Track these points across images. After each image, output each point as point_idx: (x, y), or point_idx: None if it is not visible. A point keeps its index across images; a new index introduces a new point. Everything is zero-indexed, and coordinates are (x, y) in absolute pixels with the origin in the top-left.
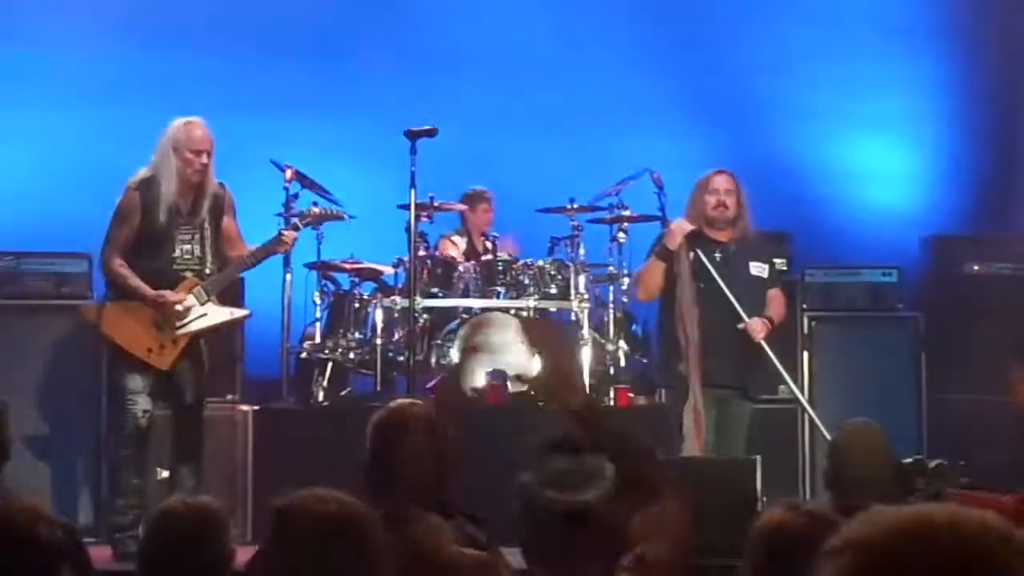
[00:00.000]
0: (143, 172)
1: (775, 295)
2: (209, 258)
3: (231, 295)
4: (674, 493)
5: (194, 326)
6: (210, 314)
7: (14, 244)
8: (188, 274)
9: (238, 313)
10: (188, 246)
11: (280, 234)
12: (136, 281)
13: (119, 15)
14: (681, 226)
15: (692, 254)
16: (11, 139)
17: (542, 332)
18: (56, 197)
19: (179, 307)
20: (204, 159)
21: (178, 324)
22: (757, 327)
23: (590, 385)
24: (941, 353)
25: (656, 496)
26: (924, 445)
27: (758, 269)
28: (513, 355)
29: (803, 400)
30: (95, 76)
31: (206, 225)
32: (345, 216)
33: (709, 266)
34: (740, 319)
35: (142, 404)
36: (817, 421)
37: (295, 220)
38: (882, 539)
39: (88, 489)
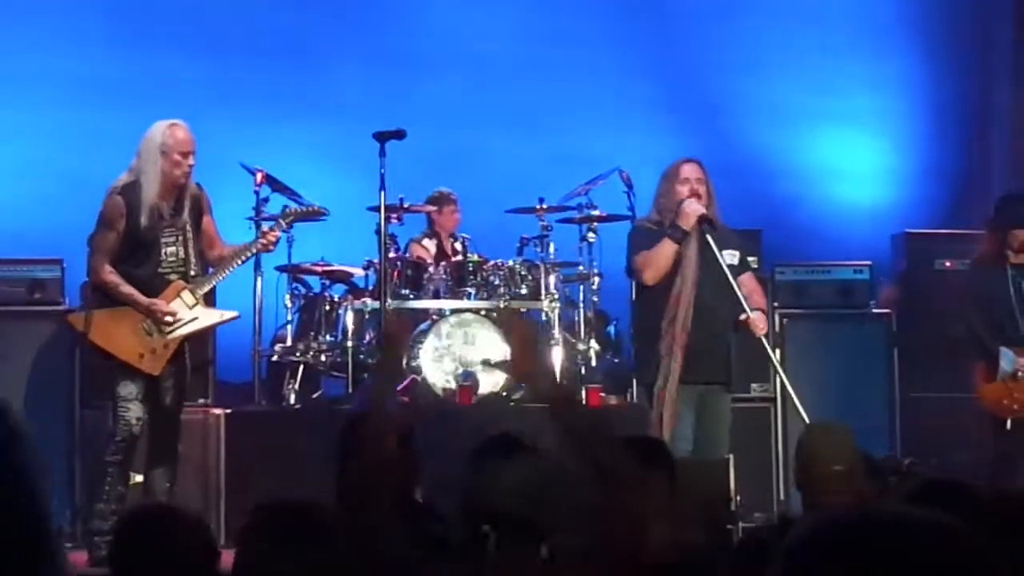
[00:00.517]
0: (124, 177)
1: (755, 286)
2: (193, 260)
3: (202, 300)
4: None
5: (184, 329)
6: (200, 317)
7: None
8: (173, 277)
9: (227, 315)
10: (172, 248)
11: (264, 233)
12: (128, 288)
13: (90, 19)
14: (694, 207)
15: (702, 238)
16: None
17: (509, 319)
18: (28, 203)
19: (168, 319)
20: (191, 160)
21: (168, 329)
22: (761, 321)
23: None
24: (913, 350)
25: (625, 487)
26: (897, 443)
27: (730, 256)
28: (480, 345)
29: (792, 393)
30: (67, 79)
31: (188, 227)
32: (326, 213)
33: (717, 251)
34: (728, 310)
35: (135, 411)
36: (804, 414)
37: (279, 219)
38: (817, 542)
39: (63, 494)
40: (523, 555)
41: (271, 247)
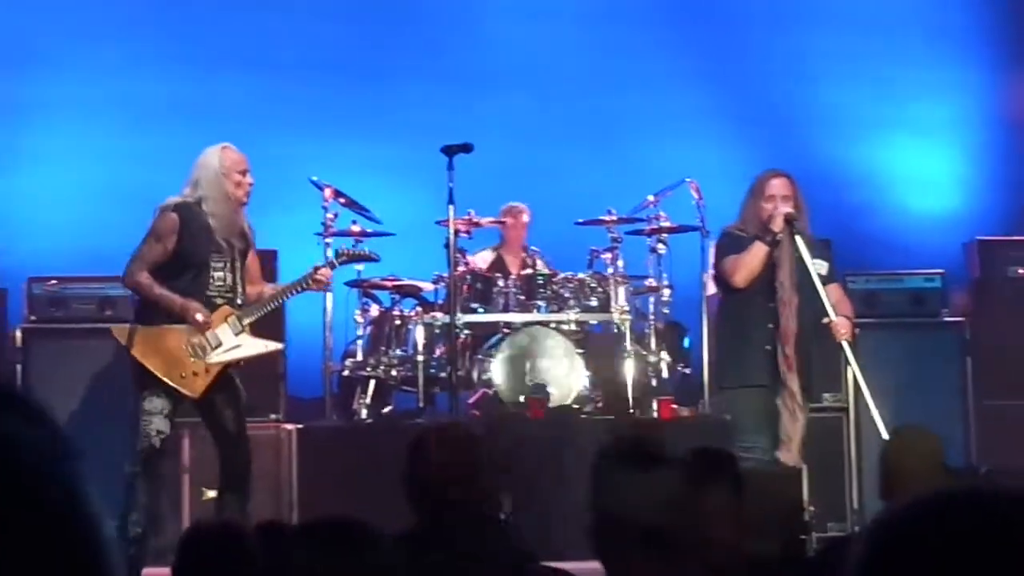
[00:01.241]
0: (179, 198)
1: (842, 296)
2: (240, 288)
3: (271, 319)
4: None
5: (228, 356)
6: (244, 345)
7: (58, 269)
8: (220, 301)
9: (272, 346)
10: (221, 274)
11: (315, 270)
12: (160, 289)
13: (159, 40)
14: (780, 209)
15: (792, 242)
16: (54, 165)
17: (596, 346)
18: (99, 222)
19: (208, 334)
20: (250, 179)
21: (211, 352)
22: (844, 326)
23: (634, 398)
24: (987, 358)
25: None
26: (972, 451)
27: (819, 265)
28: (554, 364)
29: (871, 402)
30: (137, 101)
31: (237, 254)
32: (377, 259)
33: (806, 254)
34: (811, 315)
35: (156, 425)
36: (880, 424)
37: (331, 258)
38: (897, 520)
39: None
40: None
41: (321, 287)
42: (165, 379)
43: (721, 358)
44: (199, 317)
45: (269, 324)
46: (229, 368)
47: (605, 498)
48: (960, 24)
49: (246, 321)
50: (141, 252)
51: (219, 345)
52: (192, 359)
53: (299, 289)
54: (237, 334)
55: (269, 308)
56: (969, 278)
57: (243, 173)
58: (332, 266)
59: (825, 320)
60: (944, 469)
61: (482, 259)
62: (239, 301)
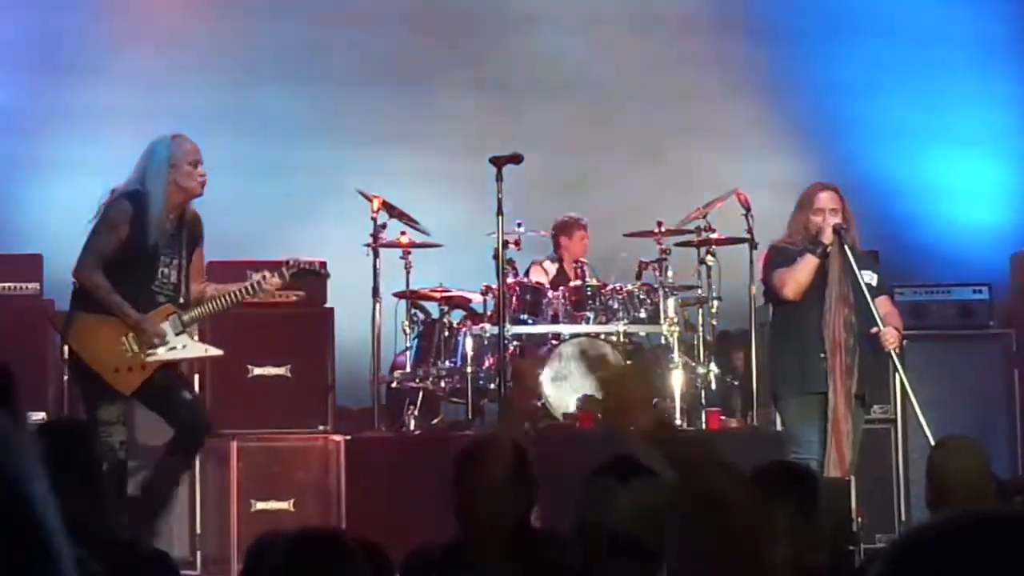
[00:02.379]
0: (127, 185)
1: (891, 308)
2: (183, 286)
3: (317, 331)
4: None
5: (167, 356)
6: (186, 347)
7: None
8: (163, 299)
9: (212, 351)
10: (167, 270)
11: (264, 277)
12: (117, 298)
13: (205, 49)
14: (829, 220)
15: (841, 253)
16: (100, 175)
17: (596, 353)
18: None
19: (156, 340)
20: (202, 170)
21: (149, 350)
22: (892, 336)
23: (657, 403)
24: None
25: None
26: (1019, 464)
27: (868, 277)
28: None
29: (919, 412)
30: (183, 111)
31: (183, 251)
32: (326, 274)
33: (855, 265)
34: (869, 324)
35: (118, 435)
36: (929, 435)
37: (282, 268)
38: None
39: (185, 522)
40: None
41: (265, 295)
42: (97, 372)
43: (774, 369)
44: (154, 341)
45: (315, 336)
46: (166, 368)
47: (587, 505)
48: (1006, 35)
49: (188, 324)
50: (94, 244)
51: (160, 344)
52: (129, 355)
53: (242, 293)
54: (178, 334)
55: (212, 311)
56: (1016, 290)
57: (194, 164)
58: (281, 276)
59: (873, 330)
60: (990, 479)
61: (546, 270)
62: (182, 300)
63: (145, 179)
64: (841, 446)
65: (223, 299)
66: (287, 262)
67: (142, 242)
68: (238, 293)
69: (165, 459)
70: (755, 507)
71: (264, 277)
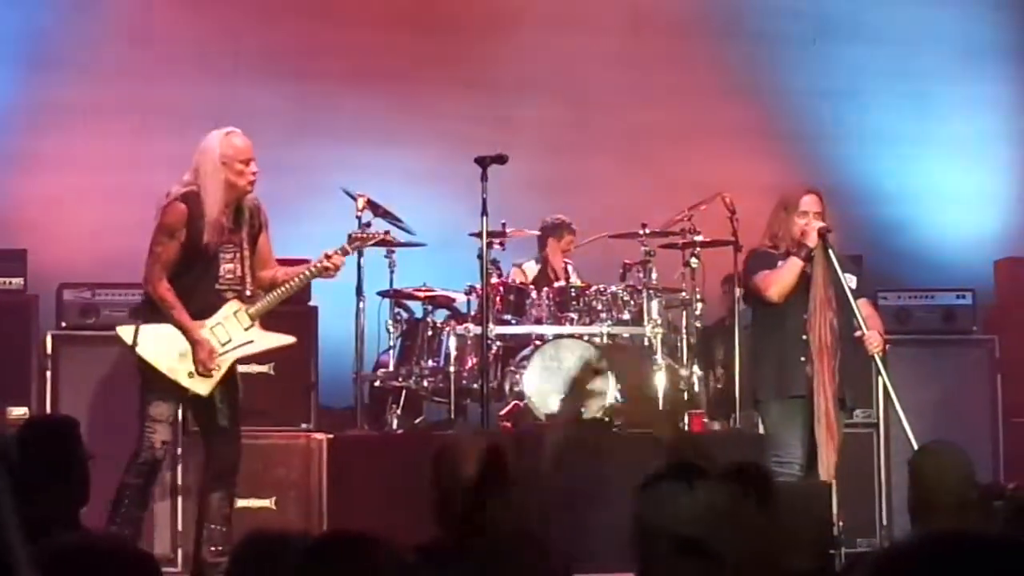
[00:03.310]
0: (179, 188)
1: (872, 311)
2: (249, 278)
3: (303, 327)
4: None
5: (239, 352)
6: (256, 340)
7: (90, 275)
8: (230, 295)
9: (285, 339)
10: (230, 265)
11: (326, 256)
12: (181, 315)
13: (193, 45)
14: (814, 224)
15: (825, 256)
16: (86, 171)
17: (622, 358)
18: (131, 228)
19: (218, 330)
20: (254, 167)
21: (222, 350)
22: (876, 339)
23: (667, 411)
24: (1016, 375)
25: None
26: (1000, 469)
27: (848, 280)
28: (585, 378)
29: (903, 417)
30: (170, 107)
31: (245, 243)
32: (393, 238)
33: (839, 269)
34: (851, 327)
35: (161, 434)
36: (912, 438)
37: (343, 244)
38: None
39: (166, 518)
40: None
41: (332, 273)
42: (173, 379)
43: (757, 371)
44: (207, 365)
45: (299, 335)
46: (236, 364)
47: (649, 510)
48: (992, 41)
49: (255, 313)
50: (157, 254)
51: (228, 342)
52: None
53: (309, 274)
54: (247, 329)
55: (279, 298)
56: (1000, 295)
57: (246, 163)
58: (344, 252)
59: (857, 333)
60: (972, 485)
61: (524, 271)
62: (248, 292)
63: (198, 178)
64: (832, 449)
65: (291, 283)
66: (350, 236)
67: (201, 242)
68: (306, 274)
69: (203, 502)
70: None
71: (329, 256)
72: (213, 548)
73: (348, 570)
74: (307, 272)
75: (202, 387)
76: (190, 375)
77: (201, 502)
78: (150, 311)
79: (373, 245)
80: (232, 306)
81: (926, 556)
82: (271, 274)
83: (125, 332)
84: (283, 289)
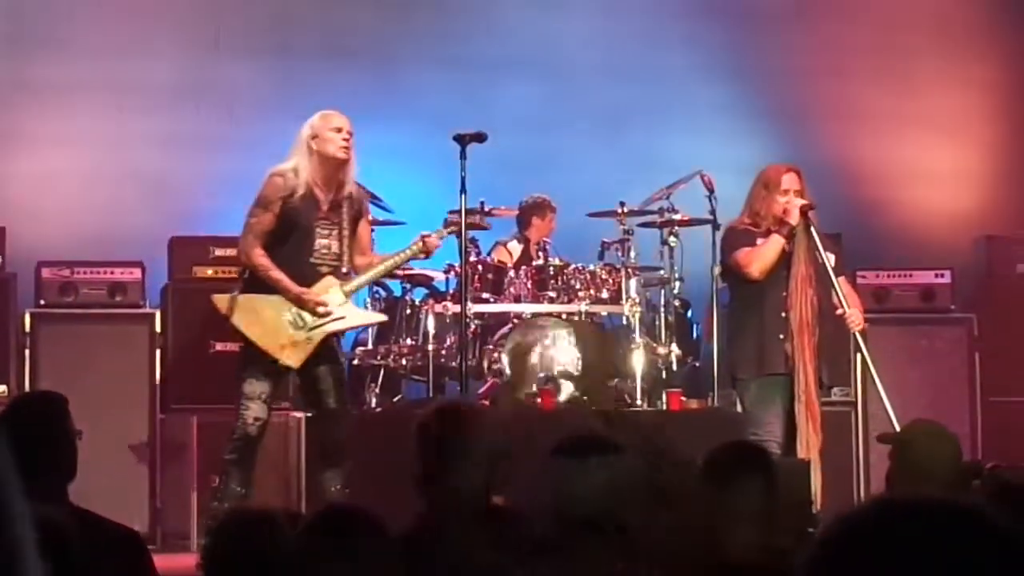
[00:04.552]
0: (283, 166)
1: (850, 289)
2: (346, 256)
3: None
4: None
5: (331, 326)
6: (348, 316)
7: (69, 254)
8: (325, 270)
9: (376, 317)
10: (326, 241)
11: (424, 237)
12: (278, 273)
13: (170, 23)
14: (796, 201)
15: (807, 233)
16: (64, 149)
17: (587, 333)
18: (108, 206)
19: (320, 308)
20: (345, 134)
21: (314, 323)
22: (858, 317)
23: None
24: (995, 354)
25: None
26: (978, 448)
27: (825, 257)
28: (561, 349)
29: (884, 395)
30: (148, 85)
31: (345, 224)
32: (489, 226)
33: (820, 246)
34: (829, 305)
35: (255, 411)
36: (893, 417)
37: (439, 228)
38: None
39: (144, 497)
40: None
41: (430, 254)
42: (265, 348)
43: (735, 349)
44: (319, 310)
45: None
46: (331, 339)
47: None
48: (972, 19)
49: (348, 290)
50: (251, 224)
51: (324, 315)
52: (293, 330)
53: (406, 257)
54: (340, 305)
55: (373, 278)
56: (978, 274)
57: (337, 130)
58: (440, 236)
59: (839, 311)
60: (959, 466)
61: (509, 251)
62: (344, 270)
63: (293, 155)
64: (816, 427)
65: (388, 263)
66: (447, 220)
67: (296, 216)
68: (404, 255)
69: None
70: (707, 498)
71: (426, 238)
72: None
73: (350, 545)
74: (405, 253)
75: (293, 359)
76: (282, 347)
77: (316, 483)
78: (247, 284)
79: (470, 228)
80: (328, 281)
81: (878, 523)
82: (368, 260)
83: (221, 301)
84: (379, 269)
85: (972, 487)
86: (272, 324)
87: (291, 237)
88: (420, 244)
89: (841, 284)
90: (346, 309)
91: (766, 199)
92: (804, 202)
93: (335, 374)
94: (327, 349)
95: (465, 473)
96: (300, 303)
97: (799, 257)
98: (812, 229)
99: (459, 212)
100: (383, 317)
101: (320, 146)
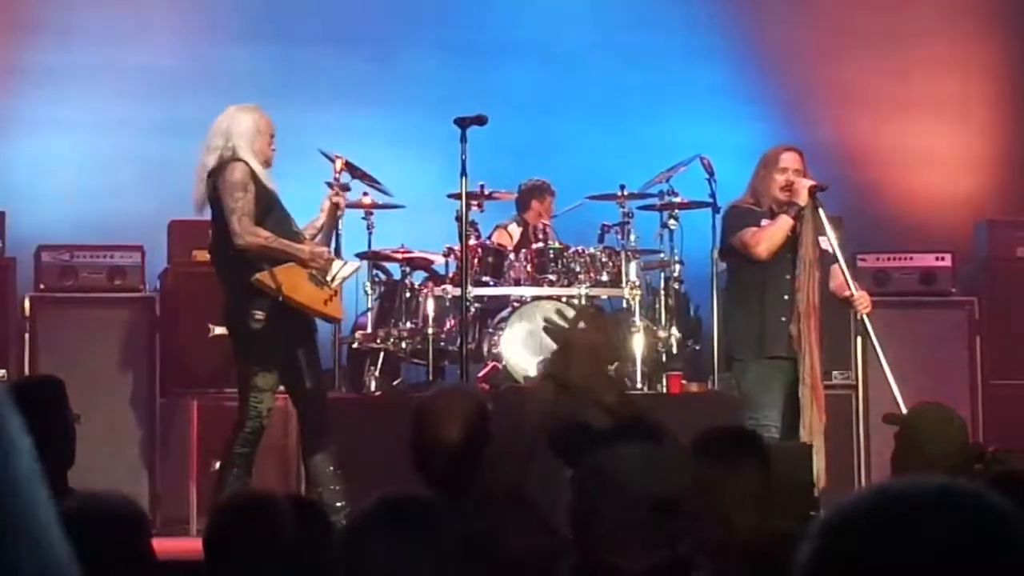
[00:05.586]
0: (220, 156)
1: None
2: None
3: None
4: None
5: (341, 273)
6: (346, 264)
7: (68, 238)
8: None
9: (357, 263)
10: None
11: (332, 203)
12: (283, 241)
13: (170, 8)
14: (804, 181)
15: (814, 214)
16: (64, 133)
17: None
18: (108, 191)
19: (330, 256)
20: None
21: (329, 275)
22: (866, 300)
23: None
24: (995, 338)
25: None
26: (980, 431)
27: (825, 243)
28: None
29: (890, 376)
30: (147, 69)
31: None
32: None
33: (828, 227)
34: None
35: (267, 403)
36: (899, 398)
37: (334, 186)
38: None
39: (143, 481)
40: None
41: (340, 207)
42: (317, 310)
43: (733, 329)
44: (328, 255)
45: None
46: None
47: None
48: (972, 2)
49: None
50: (240, 208)
51: (331, 268)
52: (321, 286)
53: (325, 220)
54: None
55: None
56: (979, 258)
57: (272, 137)
58: (344, 187)
59: (846, 293)
60: (965, 451)
61: (510, 233)
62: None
63: (235, 146)
64: (819, 409)
65: (324, 234)
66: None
67: (267, 193)
68: (329, 222)
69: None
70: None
71: (332, 201)
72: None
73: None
74: (321, 217)
75: (337, 311)
76: (325, 303)
77: (306, 468)
78: (260, 261)
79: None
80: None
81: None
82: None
83: (266, 278)
84: (325, 235)
85: (974, 471)
86: (308, 286)
87: (270, 213)
88: (327, 204)
89: (839, 267)
90: (335, 265)
91: (764, 178)
92: (812, 182)
93: (308, 356)
94: (311, 331)
95: (467, 458)
96: (313, 258)
97: (807, 239)
98: (820, 210)
99: (459, 195)
100: (359, 263)
101: (262, 144)
